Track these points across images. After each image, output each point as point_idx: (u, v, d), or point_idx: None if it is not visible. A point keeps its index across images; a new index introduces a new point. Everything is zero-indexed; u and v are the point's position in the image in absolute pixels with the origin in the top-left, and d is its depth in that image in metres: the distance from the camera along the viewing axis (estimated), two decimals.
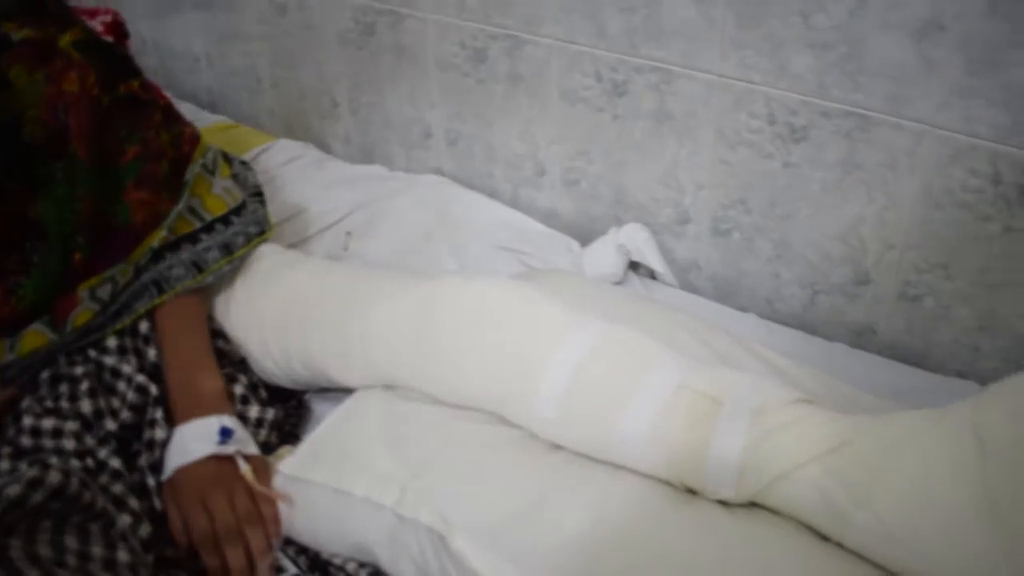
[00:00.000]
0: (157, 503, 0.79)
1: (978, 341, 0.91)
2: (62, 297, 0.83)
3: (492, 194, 1.24)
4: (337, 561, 0.76)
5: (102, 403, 0.82)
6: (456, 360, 0.79)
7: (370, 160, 1.40)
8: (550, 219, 1.20)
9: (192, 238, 0.90)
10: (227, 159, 1.01)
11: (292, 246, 1.15)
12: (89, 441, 0.80)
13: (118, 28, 1.19)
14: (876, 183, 0.89)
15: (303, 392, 0.95)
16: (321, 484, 0.78)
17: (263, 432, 0.87)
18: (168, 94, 1.56)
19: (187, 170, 0.90)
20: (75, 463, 0.77)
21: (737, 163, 0.98)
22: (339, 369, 0.86)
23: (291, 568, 0.77)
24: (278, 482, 0.80)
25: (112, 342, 0.86)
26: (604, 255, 1.06)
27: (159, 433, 0.82)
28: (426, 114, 1.27)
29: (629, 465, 0.73)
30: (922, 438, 0.64)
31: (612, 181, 1.11)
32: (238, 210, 0.94)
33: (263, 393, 0.90)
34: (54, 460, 0.76)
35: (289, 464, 0.81)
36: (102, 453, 0.79)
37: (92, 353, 0.85)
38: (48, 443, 0.79)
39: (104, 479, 0.78)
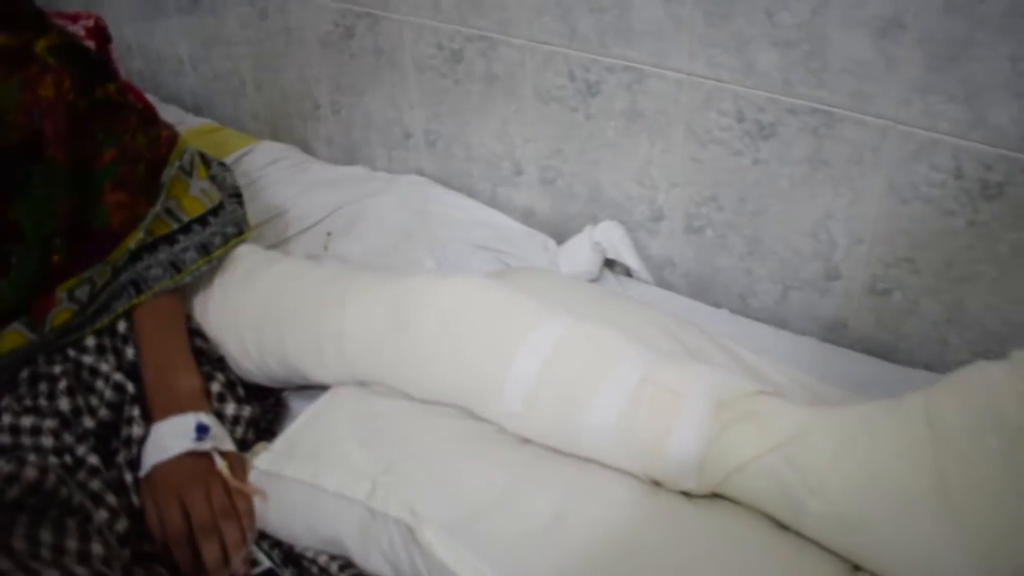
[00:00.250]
0: (135, 499, 0.81)
1: (946, 334, 0.93)
2: (40, 298, 0.84)
3: (471, 193, 1.26)
4: (309, 554, 0.77)
5: (80, 401, 0.83)
6: (426, 356, 0.80)
7: (353, 161, 1.41)
8: (528, 218, 1.22)
9: (169, 239, 0.91)
10: (205, 161, 1.02)
11: (273, 246, 1.16)
12: (67, 438, 0.81)
13: (100, 32, 1.21)
14: (842, 179, 0.91)
15: (281, 390, 0.97)
16: (295, 479, 0.79)
17: (240, 429, 0.88)
18: (153, 97, 1.58)
19: (163, 172, 0.91)
20: (53, 460, 0.79)
21: (708, 160, 0.99)
22: (313, 366, 0.88)
23: (265, 561, 0.78)
24: (253, 477, 0.82)
25: (91, 341, 0.88)
26: (579, 253, 1.07)
27: (136, 430, 0.83)
28: (405, 115, 1.28)
29: (595, 458, 0.75)
30: (876, 427, 0.65)
31: (587, 179, 1.12)
32: (215, 211, 0.96)
33: (240, 391, 0.92)
34: (32, 457, 0.78)
35: (264, 460, 0.82)
36: (80, 450, 0.80)
37: (71, 352, 0.87)
38: (27, 440, 0.80)
39: (82, 475, 0.79)
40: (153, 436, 0.82)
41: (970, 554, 0.60)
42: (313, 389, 0.93)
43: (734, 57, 0.91)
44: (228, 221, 0.97)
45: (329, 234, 1.19)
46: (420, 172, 1.32)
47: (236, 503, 0.80)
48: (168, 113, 1.53)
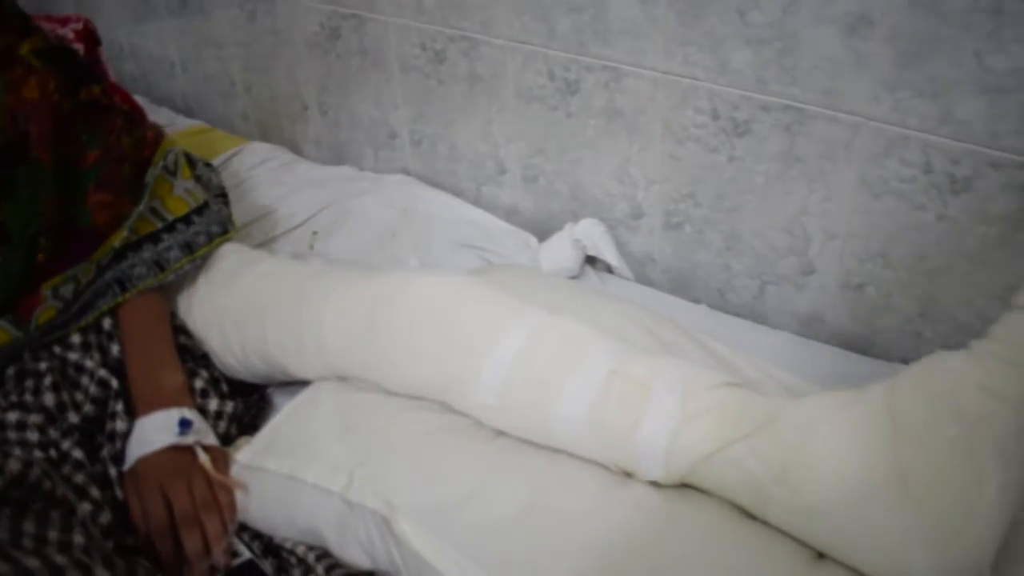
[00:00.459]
0: (118, 493, 0.82)
1: (919, 327, 0.94)
2: (26, 296, 0.86)
3: (456, 192, 1.27)
4: (288, 545, 0.79)
5: (65, 396, 0.85)
6: (403, 351, 0.82)
7: (341, 161, 1.43)
8: (512, 216, 1.23)
9: (154, 238, 0.93)
10: (190, 161, 1.04)
11: (260, 246, 1.18)
12: (52, 433, 0.82)
13: (90, 35, 1.22)
14: (816, 175, 0.92)
15: (265, 386, 0.98)
16: (275, 472, 0.81)
17: (222, 424, 0.89)
18: (145, 99, 1.60)
19: (148, 172, 0.93)
20: (38, 454, 0.80)
21: (685, 158, 1.01)
22: (294, 362, 0.89)
23: (245, 552, 0.79)
24: (235, 471, 0.83)
25: (76, 338, 0.89)
26: (559, 250, 1.09)
27: (120, 425, 0.85)
28: (391, 115, 1.30)
29: (567, 449, 0.76)
30: (838, 417, 0.66)
31: (569, 178, 1.13)
32: (200, 210, 0.97)
33: (224, 387, 0.93)
34: (17, 451, 0.79)
35: (246, 453, 0.84)
36: (65, 444, 0.82)
37: (56, 349, 0.88)
38: (12, 435, 0.82)
39: (66, 469, 0.81)
40: (137, 431, 0.83)
41: (930, 542, 0.61)
42: (296, 385, 0.94)
43: (708, 56, 0.93)
44: (213, 220, 0.99)
45: (315, 233, 1.21)
46: (406, 172, 1.34)
47: (218, 495, 0.81)
48: (159, 115, 1.55)
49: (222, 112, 1.58)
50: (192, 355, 0.93)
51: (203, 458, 0.83)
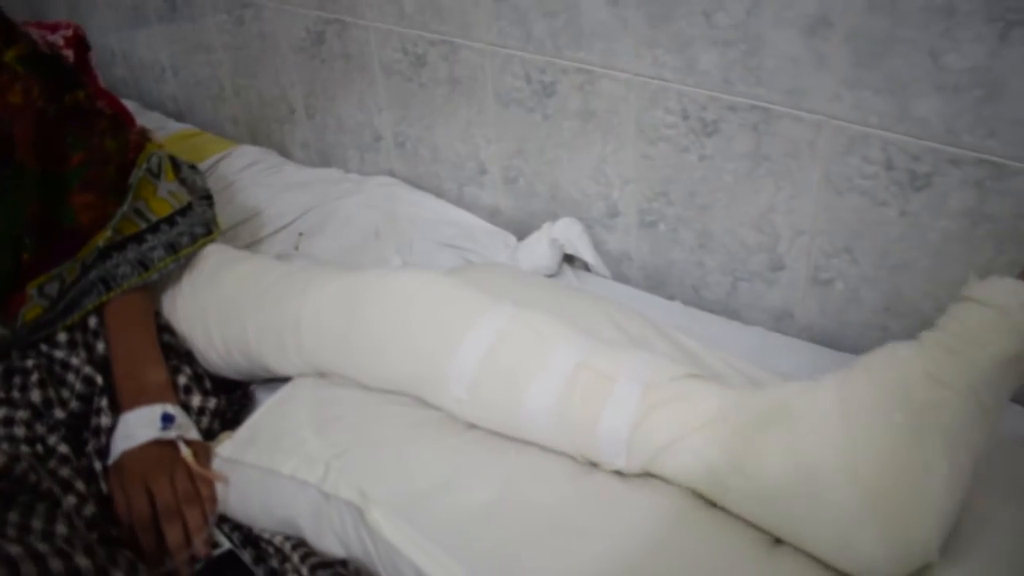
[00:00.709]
0: (103, 486, 0.84)
1: (886, 321, 0.96)
2: (12, 294, 0.88)
3: (439, 193, 1.30)
4: (267, 535, 0.81)
5: (52, 393, 0.87)
6: (377, 347, 0.84)
7: (328, 163, 1.45)
8: (494, 216, 1.25)
9: (138, 238, 0.95)
10: (175, 164, 1.06)
11: (247, 247, 1.21)
12: (39, 428, 0.85)
13: (80, 41, 1.25)
14: (782, 172, 0.94)
15: (248, 383, 1.01)
16: (254, 465, 0.83)
17: (205, 420, 0.92)
18: (137, 103, 1.63)
19: (131, 174, 0.95)
20: (25, 449, 0.83)
21: (658, 157, 1.03)
22: (275, 358, 0.92)
23: (226, 543, 0.82)
24: (216, 464, 0.86)
25: (63, 336, 0.92)
26: (537, 249, 1.11)
27: (105, 420, 0.87)
28: (375, 118, 1.32)
29: (535, 441, 0.78)
30: (793, 406, 0.68)
31: (547, 178, 1.16)
32: (183, 211, 1.00)
33: (207, 384, 0.96)
34: (4, 446, 0.82)
35: (226, 447, 0.86)
36: (51, 439, 0.84)
37: (43, 347, 0.91)
38: (0, 431, 0.84)
39: (52, 463, 0.83)
40: (121, 426, 0.86)
41: (878, 526, 0.63)
42: (277, 382, 0.96)
43: (676, 57, 0.95)
44: (197, 221, 1.01)
45: (301, 234, 1.24)
46: (391, 173, 1.36)
47: (199, 488, 0.83)
48: (151, 119, 1.58)
49: (212, 116, 1.61)
50: (176, 353, 0.96)
51: (185, 452, 0.85)
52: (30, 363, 0.89)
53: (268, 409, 0.89)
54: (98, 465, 0.86)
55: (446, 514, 0.74)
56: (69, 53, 1.18)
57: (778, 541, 0.70)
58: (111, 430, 0.87)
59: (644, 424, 0.72)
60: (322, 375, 0.91)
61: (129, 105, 1.45)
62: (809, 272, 0.98)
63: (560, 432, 0.76)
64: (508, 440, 0.80)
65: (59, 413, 0.87)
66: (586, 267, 1.16)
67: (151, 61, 1.66)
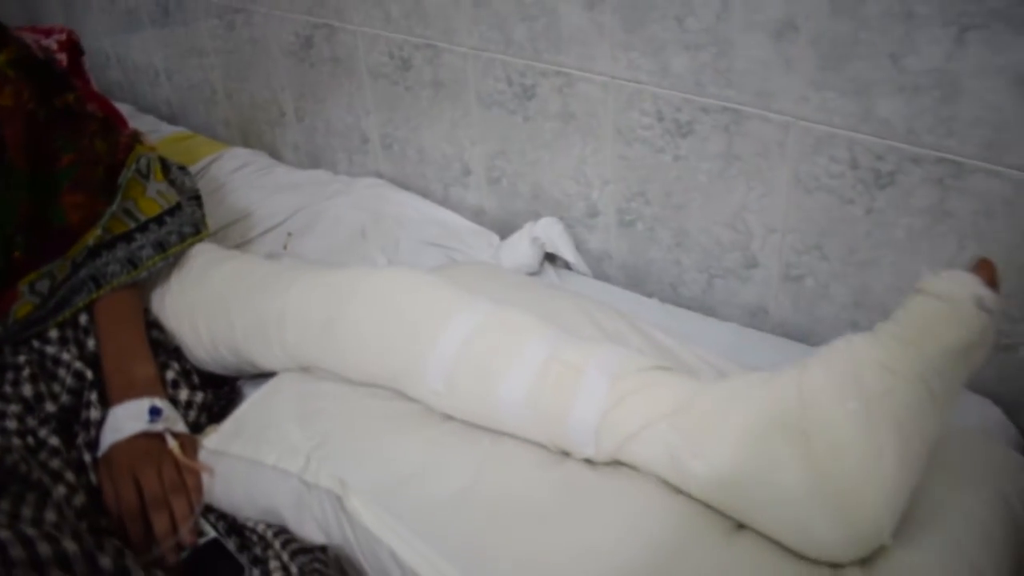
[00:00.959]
0: (93, 477, 0.87)
1: (855, 316, 0.99)
2: (3, 291, 0.91)
3: (425, 194, 1.32)
4: (251, 524, 0.84)
5: (43, 387, 0.90)
6: (357, 342, 0.87)
7: (318, 165, 1.48)
8: (479, 216, 1.28)
9: (127, 237, 0.98)
10: (165, 166, 1.09)
11: (237, 247, 1.23)
12: (31, 422, 0.88)
13: (73, 45, 1.28)
14: (753, 172, 0.97)
15: (235, 379, 1.03)
16: (238, 456, 0.85)
17: (192, 413, 0.95)
18: (132, 107, 1.65)
19: (120, 175, 0.98)
20: (16, 441, 0.86)
21: (634, 158, 1.06)
22: (260, 353, 0.94)
23: (211, 532, 0.84)
24: (202, 456, 0.88)
25: (54, 333, 0.94)
26: (519, 248, 1.14)
27: (94, 414, 0.90)
28: (363, 120, 1.35)
29: (510, 431, 0.81)
30: (753, 394, 0.71)
31: (529, 178, 1.19)
32: (172, 211, 1.03)
33: (195, 379, 0.98)
34: None
35: (212, 439, 0.89)
36: (42, 432, 0.87)
37: (35, 343, 0.94)
38: None
39: (43, 455, 0.86)
40: (110, 419, 0.89)
41: (832, 509, 0.66)
42: (264, 377, 0.99)
43: (651, 60, 0.98)
44: (185, 221, 1.04)
45: (290, 234, 1.26)
46: (379, 175, 1.39)
47: (185, 479, 0.86)
48: (145, 122, 1.60)
49: (205, 119, 1.64)
50: (165, 348, 0.98)
51: (172, 444, 0.88)
52: (22, 359, 0.91)
53: (253, 402, 0.91)
54: (88, 457, 0.88)
55: (421, 501, 0.77)
56: (63, 57, 1.21)
57: (741, 526, 0.72)
58: (100, 423, 0.89)
59: (612, 414, 0.74)
60: (306, 370, 0.94)
61: (124, 108, 1.48)
62: (781, 269, 1.01)
63: (533, 422, 0.79)
64: (483, 431, 0.83)
65: (50, 407, 0.89)
66: (567, 266, 1.19)
67: (145, 65, 1.69)
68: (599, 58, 1.02)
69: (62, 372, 0.92)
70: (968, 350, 0.67)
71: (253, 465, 0.84)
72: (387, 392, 0.89)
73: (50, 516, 0.76)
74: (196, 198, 1.11)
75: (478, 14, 1.10)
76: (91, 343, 0.95)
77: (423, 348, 0.83)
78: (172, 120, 1.69)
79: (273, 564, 0.77)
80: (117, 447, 0.86)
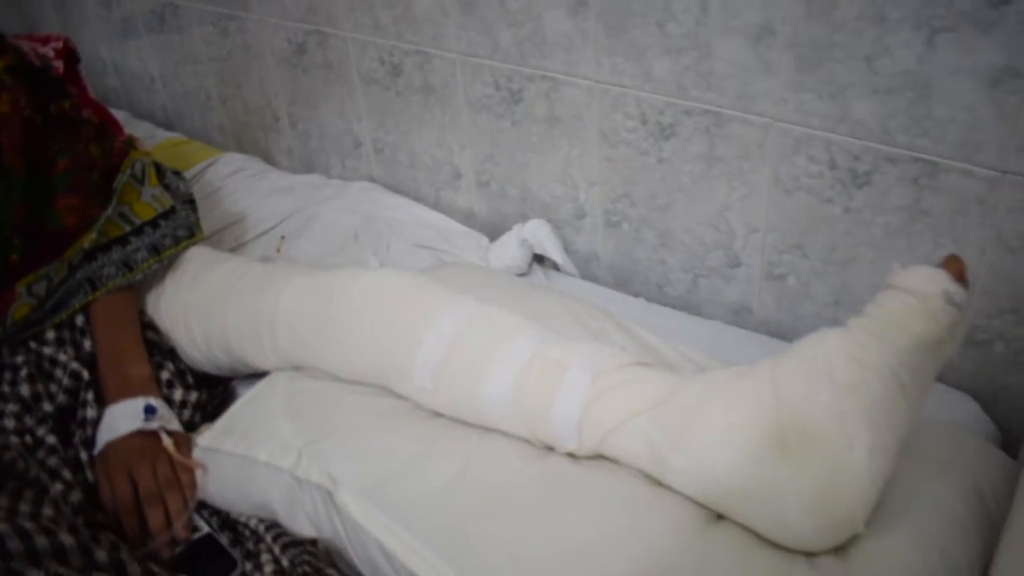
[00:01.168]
0: (89, 475, 0.89)
1: (836, 314, 1.01)
2: (1, 293, 0.93)
3: (417, 197, 1.35)
4: (243, 519, 0.85)
5: (40, 387, 0.92)
6: (348, 340, 0.89)
7: (311, 170, 1.50)
8: (469, 218, 1.30)
9: (122, 240, 1.00)
10: (159, 170, 1.11)
11: (232, 250, 1.25)
12: (28, 421, 0.90)
13: (69, 53, 1.30)
14: (735, 173, 0.99)
15: (229, 379, 1.05)
16: (231, 452, 0.87)
17: (187, 412, 0.97)
18: (128, 113, 1.68)
19: (116, 179, 1.00)
20: (14, 440, 0.88)
21: (619, 160, 1.08)
22: (253, 353, 0.96)
23: (204, 527, 0.86)
24: (196, 453, 0.90)
25: (51, 334, 0.97)
26: (508, 250, 1.16)
27: (90, 413, 0.92)
28: (355, 125, 1.37)
29: (494, 427, 0.83)
30: (730, 388, 0.73)
31: (518, 181, 1.21)
32: (167, 215, 1.05)
33: (189, 379, 1.00)
34: None
35: (206, 437, 0.91)
36: (40, 431, 0.89)
37: (32, 344, 0.96)
38: None
39: (41, 454, 0.88)
40: (106, 418, 0.91)
41: (806, 499, 0.67)
42: (257, 377, 1.01)
43: (634, 65, 1.00)
44: (180, 225, 1.06)
45: (283, 238, 1.28)
46: (371, 179, 1.41)
47: (180, 476, 0.88)
48: (140, 127, 1.63)
49: (200, 124, 1.66)
50: (160, 349, 1.00)
51: (167, 442, 0.89)
52: (19, 359, 0.93)
53: (246, 401, 0.93)
54: (84, 455, 0.90)
55: (408, 495, 0.78)
56: (59, 64, 1.23)
57: (719, 516, 0.74)
58: (96, 422, 0.91)
59: (594, 408, 0.76)
60: (298, 369, 0.96)
61: (120, 115, 1.50)
62: (764, 268, 1.03)
63: (517, 417, 0.80)
64: (469, 426, 0.85)
65: (47, 406, 0.91)
66: (556, 267, 1.21)
67: (141, 72, 1.72)
68: (583, 63, 1.04)
69: (59, 372, 0.94)
70: (937, 343, 0.69)
71: (246, 462, 0.86)
72: (377, 390, 0.91)
73: (47, 511, 0.78)
74: (190, 202, 1.13)
75: (466, 20, 1.12)
76: (87, 344, 0.97)
77: (411, 346, 0.85)
78: (168, 126, 1.71)
79: (265, 557, 0.79)
80: (113, 445, 0.88)
